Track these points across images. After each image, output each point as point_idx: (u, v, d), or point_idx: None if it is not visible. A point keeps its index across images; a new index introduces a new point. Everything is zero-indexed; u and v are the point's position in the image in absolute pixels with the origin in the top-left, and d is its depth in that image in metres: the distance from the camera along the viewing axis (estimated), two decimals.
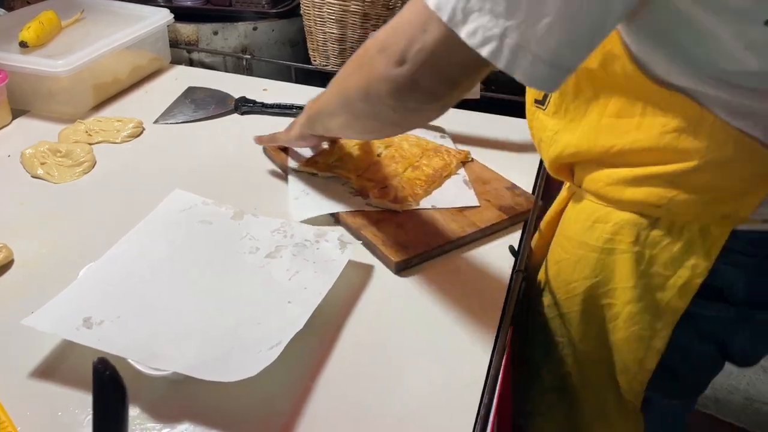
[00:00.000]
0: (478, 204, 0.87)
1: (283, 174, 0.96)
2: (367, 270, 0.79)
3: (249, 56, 1.35)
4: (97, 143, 1.05)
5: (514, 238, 0.84)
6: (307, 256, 0.76)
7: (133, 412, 0.60)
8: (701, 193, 0.59)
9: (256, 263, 0.75)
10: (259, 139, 0.99)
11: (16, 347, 0.66)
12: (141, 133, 1.09)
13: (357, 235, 0.82)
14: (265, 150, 1.01)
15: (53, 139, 1.04)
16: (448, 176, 0.94)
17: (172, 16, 1.29)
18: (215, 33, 1.37)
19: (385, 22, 1.24)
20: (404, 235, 0.81)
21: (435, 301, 0.75)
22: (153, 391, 0.62)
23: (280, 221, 0.82)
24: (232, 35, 1.38)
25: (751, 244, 0.61)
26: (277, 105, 1.15)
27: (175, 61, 1.36)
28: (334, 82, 0.72)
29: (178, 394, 0.62)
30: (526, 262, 0.81)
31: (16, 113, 1.13)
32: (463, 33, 0.49)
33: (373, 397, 0.63)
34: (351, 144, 0.98)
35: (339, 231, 0.82)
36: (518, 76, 0.49)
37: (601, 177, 0.67)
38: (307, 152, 0.97)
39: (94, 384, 0.42)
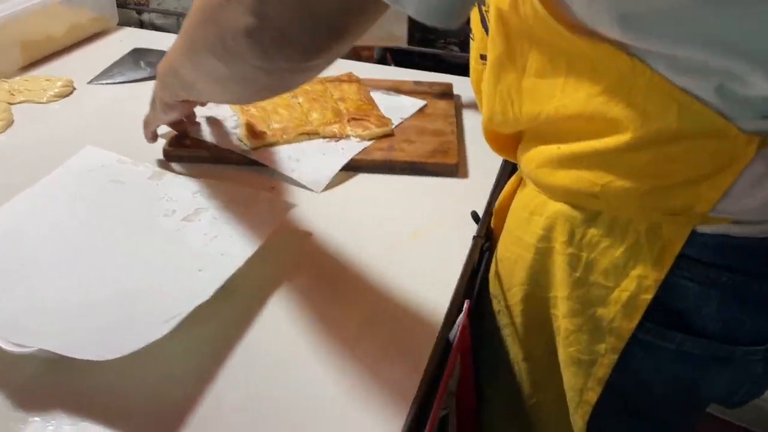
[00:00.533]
0: (424, 103, 0.92)
1: (227, 162, 0.80)
2: (306, 238, 0.68)
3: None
4: (18, 103, 0.94)
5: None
6: (231, 220, 0.65)
7: None
8: (640, 179, 0.45)
9: (168, 227, 0.64)
10: (146, 137, 0.77)
11: None
12: (71, 93, 0.98)
13: (389, 167, 0.80)
14: (168, 155, 0.80)
15: None
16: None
17: None
18: None
19: None
20: (427, 146, 0.83)
21: (382, 277, 0.64)
22: (20, 373, 0.51)
23: (205, 182, 0.71)
24: None
25: (720, 254, 0.46)
26: None
27: (124, 22, 1.25)
28: (181, 36, 0.55)
29: (52, 377, 0.51)
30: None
31: None
32: None
33: (287, 389, 0.52)
34: (274, 107, 0.88)
35: (257, 185, 0.71)
36: (409, 12, 0.36)
37: (533, 156, 0.53)
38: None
39: None
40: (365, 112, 0.87)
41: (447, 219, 0.72)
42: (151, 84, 0.98)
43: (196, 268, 0.58)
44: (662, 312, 0.48)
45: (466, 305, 0.60)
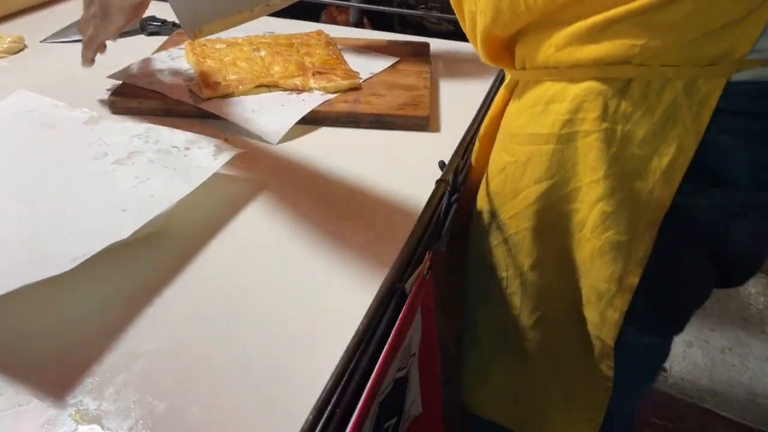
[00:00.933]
0: (397, 59, 0.86)
1: (178, 115, 0.74)
2: (255, 186, 0.62)
3: None
4: None
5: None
6: (168, 163, 0.58)
7: None
8: (680, 32, 0.44)
9: (97, 169, 0.57)
10: (86, 58, 0.73)
11: None
12: (20, 50, 0.92)
13: (353, 120, 0.73)
14: (115, 105, 0.74)
15: None
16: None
17: None
18: None
19: None
20: (396, 99, 0.76)
21: (334, 228, 0.57)
22: None
23: (146, 126, 0.64)
24: None
25: (752, 101, 0.45)
26: None
27: None
28: None
29: None
30: (462, 189, 0.64)
31: None
32: None
33: (211, 344, 0.46)
34: (228, 54, 0.82)
35: (210, 135, 0.65)
36: None
37: (551, 42, 0.51)
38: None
39: None
40: (331, 66, 0.81)
41: (413, 171, 0.65)
42: (111, 42, 0.93)
43: (120, 208, 0.51)
44: (696, 171, 0.48)
45: (428, 256, 0.53)
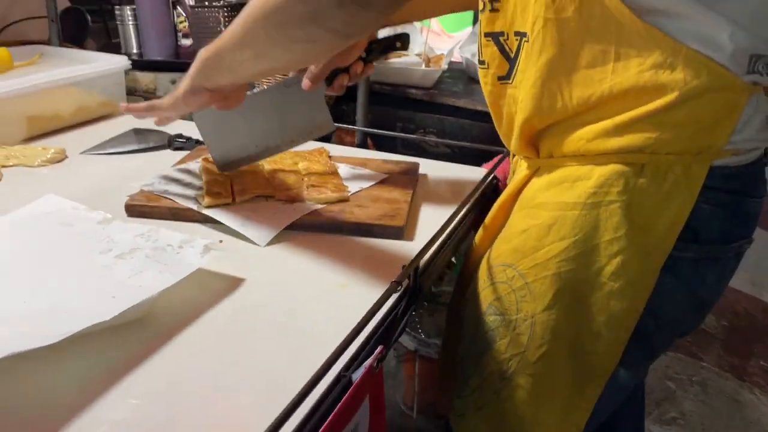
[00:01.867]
0: (386, 175, 0.95)
1: (184, 219, 0.84)
2: (233, 283, 0.69)
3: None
4: (11, 165, 1.01)
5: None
6: (160, 259, 0.67)
7: None
8: (682, 128, 0.61)
9: (100, 262, 0.66)
10: (130, 108, 0.84)
11: None
12: (62, 160, 1.05)
13: (336, 227, 0.82)
14: (130, 209, 0.84)
15: None
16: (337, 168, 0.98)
17: (129, 63, 1.29)
18: (173, 82, 1.36)
19: None
20: (377, 211, 0.84)
21: (295, 324, 0.64)
22: None
23: (149, 227, 0.74)
24: None
25: (725, 180, 0.63)
26: None
27: None
28: (241, 15, 0.64)
29: None
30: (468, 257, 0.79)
31: None
32: None
33: (166, 420, 0.52)
34: (239, 173, 0.93)
35: (209, 238, 0.74)
36: None
37: (581, 135, 0.66)
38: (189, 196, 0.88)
39: None
40: (325, 180, 0.91)
41: (380, 274, 0.72)
42: (133, 156, 1.06)
43: (111, 295, 0.59)
44: (684, 230, 0.64)
45: (378, 349, 0.59)
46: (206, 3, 1.43)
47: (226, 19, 1.38)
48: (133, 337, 0.60)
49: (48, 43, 1.53)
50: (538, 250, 0.69)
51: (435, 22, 1.86)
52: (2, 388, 0.53)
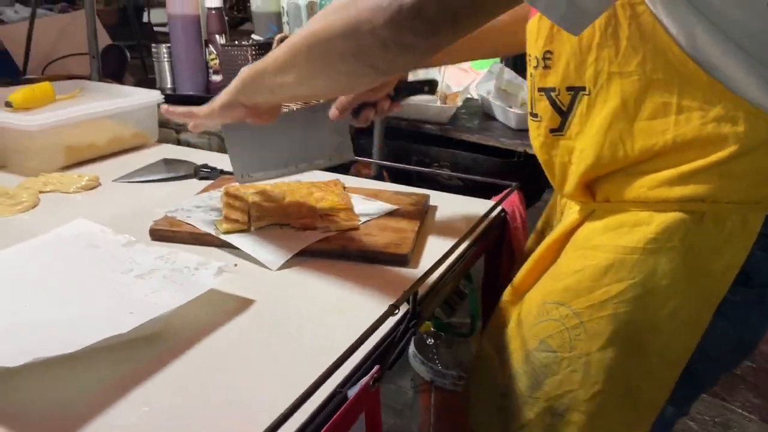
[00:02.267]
0: (396, 207, 0.98)
1: (203, 243, 0.89)
2: (243, 303, 0.74)
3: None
4: (48, 191, 1.08)
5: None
6: (177, 279, 0.72)
7: None
8: (743, 178, 0.64)
9: (121, 281, 0.71)
10: (169, 111, 0.88)
11: None
12: (95, 187, 1.12)
13: (345, 254, 0.85)
14: (154, 233, 0.90)
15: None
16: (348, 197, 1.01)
17: (162, 98, 1.37)
18: None
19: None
20: (384, 239, 0.88)
21: (299, 345, 0.68)
22: None
23: (169, 250, 0.79)
24: None
25: None
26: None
27: (164, 140, 1.43)
28: (287, 41, 0.68)
29: None
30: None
31: None
32: None
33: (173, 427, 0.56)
34: (255, 197, 0.98)
35: (225, 261, 0.78)
36: (540, 9, 0.52)
37: (643, 183, 0.69)
38: (205, 220, 0.93)
39: None
40: (338, 210, 0.96)
41: (384, 298, 0.76)
42: (161, 184, 1.12)
43: (129, 311, 0.64)
44: (737, 275, 0.67)
45: (374, 369, 0.62)
46: (236, 42, 1.52)
47: (254, 57, 1.46)
48: (147, 350, 0.64)
49: (89, 78, 1.63)
50: (594, 290, 0.72)
51: None
52: (26, 390, 0.58)
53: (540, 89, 0.75)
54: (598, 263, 0.72)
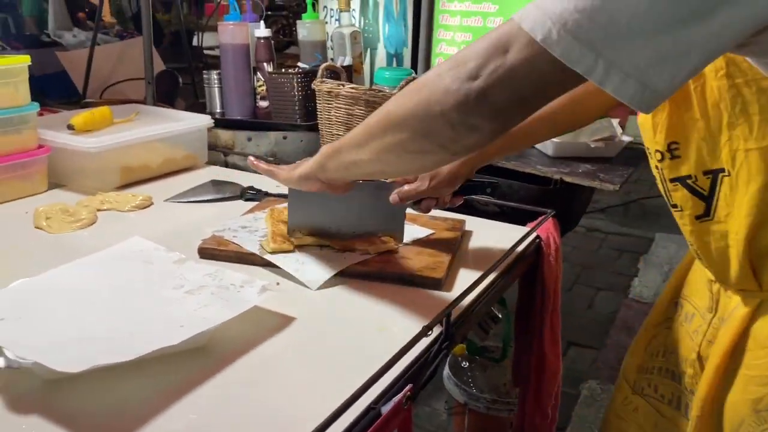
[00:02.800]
0: (432, 231, 1.02)
1: (247, 262, 0.94)
2: (285, 321, 0.78)
3: (273, 159, 1.46)
4: (105, 210, 1.15)
5: None
6: (223, 296, 0.76)
7: None
8: None
9: (172, 296, 0.76)
10: (256, 165, 0.93)
11: None
12: (148, 206, 1.19)
13: (382, 276, 0.89)
14: (202, 251, 0.95)
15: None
16: None
17: (212, 122, 1.45)
18: (249, 139, 1.51)
19: None
20: (420, 263, 0.91)
21: (334, 362, 0.72)
22: (18, 386, 0.64)
23: (216, 268, 0.84)
24: (263, 142, 1.51)
25: None
26: (279, 194, 1.22)
27: (212, 162, 1.50)
28: (367, 120, 0.71)
29: (38, 390, 0.63)
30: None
31: (55, 185, 1.28)
32: (558, 51, 0.51)
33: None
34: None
35: (268, 279, 0.83)
36: (609, 90, 0.51)
37: None
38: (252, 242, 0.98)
39: None
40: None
41: (418, 320, 0.79)
42: (209, 205, 1.18)
43: (179, 325, 0.69)
44: None
45: (408, 387, 0.65)
46: (282, 70, 1.58)
47: (300, 84, 1.52)
48: (195, 361, 0.69)
49: (144, 101, 1.72)
50: None
51: None
52: (82, 395, 0.62)
53: (673, 180, 0.76)
54: None
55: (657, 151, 0.76)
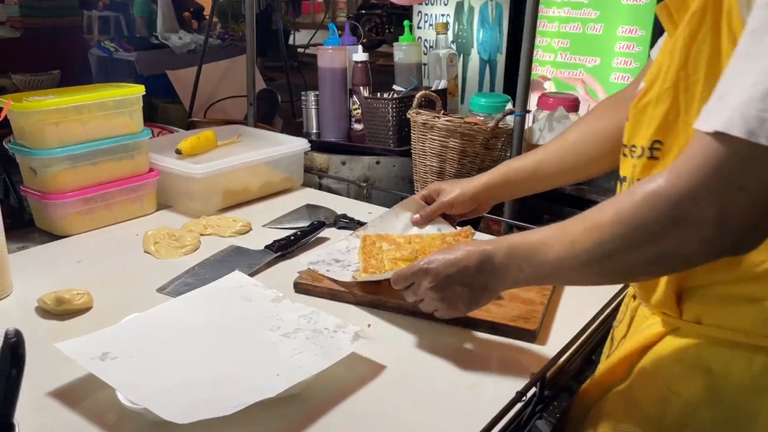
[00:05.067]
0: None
1: (339, 300, 0.96)
2: (376, 369, 0.79)
3: (366, 184, 1.48)
4: (208, 234, 1.21)
5: None
6: (318, 341, 0.78)
7: None
8: None
9: (269, 339, 0.79)
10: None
11: (46, 368, 0.76)
12: (247, 232, 1.24)
13: (472, 323, 0.88)
14: (297, 286, 0.98)
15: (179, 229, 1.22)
16: None
17: (309, 146, 1.48)
18: (343, 163, 1.53)
19: (482, 160, 1.31)
20: (513, 311, 0.90)
21: (420, 415, 0.72)
22: (129, 425, 0.68)
23: (311, 309, 0.86)
24: (357, 166, 1.53)
25: None
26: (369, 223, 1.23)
27: (307, 184, 1.54)
28: (566, 244, 0.72)
29: (146, 429, 0.67)
30: None
31: (163, 207, 1.35)
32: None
33: None
34: (391, 258, 1.02)
35: (360, 325, 0.84)
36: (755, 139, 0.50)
37: (747, 312, 0.63)
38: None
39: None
40: None
41: (510, 377, 0.77)
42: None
43: (276, 373, 0.71)
44: None
45: None
46: (378, 95, 1.60)
47: (394, 110, 1.53)
48: (290, 410, 0.71)
49: (245, 122, 1.79)
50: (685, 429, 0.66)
51: None
52: None
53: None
54: (688, 397, 0.66)
55: (639, 146, 0.68)
